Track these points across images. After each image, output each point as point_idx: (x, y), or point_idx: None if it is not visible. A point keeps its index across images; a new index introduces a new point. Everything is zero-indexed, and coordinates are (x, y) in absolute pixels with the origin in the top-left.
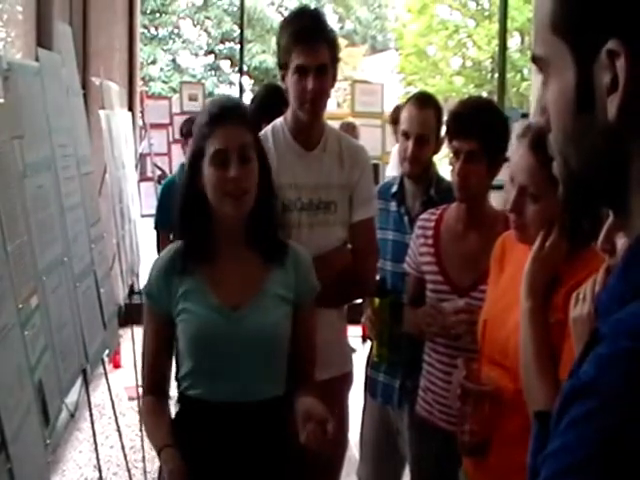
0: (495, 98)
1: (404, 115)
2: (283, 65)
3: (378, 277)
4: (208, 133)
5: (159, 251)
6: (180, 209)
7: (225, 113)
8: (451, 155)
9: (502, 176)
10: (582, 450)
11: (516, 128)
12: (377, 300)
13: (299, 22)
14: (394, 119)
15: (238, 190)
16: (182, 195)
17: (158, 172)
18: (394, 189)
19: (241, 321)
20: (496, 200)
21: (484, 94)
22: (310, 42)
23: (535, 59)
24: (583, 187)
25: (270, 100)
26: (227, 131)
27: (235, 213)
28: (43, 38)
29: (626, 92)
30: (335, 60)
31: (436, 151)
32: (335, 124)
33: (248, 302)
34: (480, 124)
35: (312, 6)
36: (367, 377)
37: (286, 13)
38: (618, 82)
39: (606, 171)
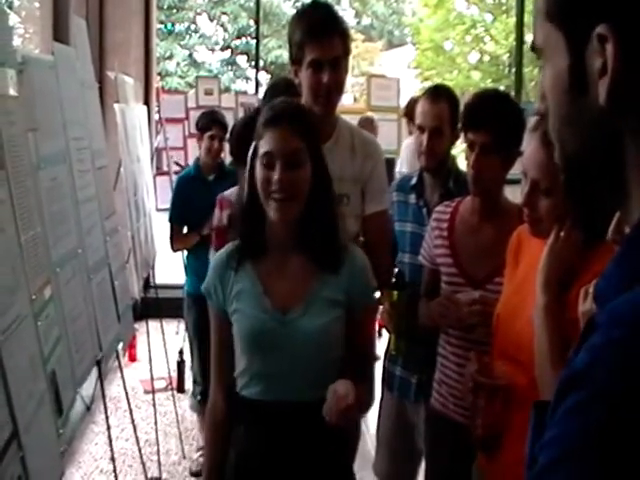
0: (513, 92)
1: (418, 109)
2: (296, 60)
3: (396, 270)
4: (261, 134)
5: (172, 244)
6: (242, 208)
7: (278, 117)
8: (466, 148)
9: (519, 170)
10: (575, 440)
11: (532, 122)
12: (395, 293)
13: (311, 17)
14: (408, 112)
15: (281, 194)
16: (245, 194)
17: (176, 168)
18: (413, 182)
19: (291, 325)
20: (512, 194)
21: (502, 88)
22: (323, 36)
23: (534, 47)
24: (580, 171)
25: (281, 93)
26: (276, 134)
27: (278, 218)
28: (60, 33)
29: (615, 76)
30: (347, 52)
31: (452, 142)
32: (354, 119)
33: (298, 306)
34: (494, 116)
35: (329, 2)
36: (384, 370)
37: None
38: (607, 67)
39: (601, 154)
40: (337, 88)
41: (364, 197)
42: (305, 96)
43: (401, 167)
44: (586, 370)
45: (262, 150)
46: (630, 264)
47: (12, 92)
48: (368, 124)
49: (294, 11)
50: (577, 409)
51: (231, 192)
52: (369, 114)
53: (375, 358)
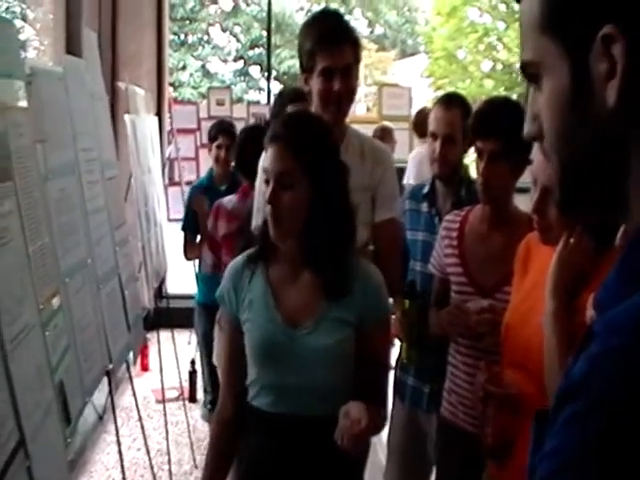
0: (525, 100)
1: (431, 117)
2: (307, 68)
3: (408, 279)
4: (266, 148)
5: (185, 253)
6: (263, 220)
7: (276, 134)
8: (475, 156)
9: (527, 178)
10: (574, 451)
11: None
12: (407, 302)
13: (322, 25)
14: (416, 124)
15: (272, 213)
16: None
17: (187, 179)
18: (425, 190)
19: (299, 340)
20: (523, 203)
21: (514, 97)
22: (335, 44)
23: (525, 66)
24: (580, 186)
25: (288, 102)
26: (272, 152)
27: (273, 237)
28: (72, 45)
29: (625, 76)
30: (358, 60)
31: (465, 150)
32: (367, 128)
33: (308, 323)
34: (503, 124)
35: (339, 10)
36: (396, 379)
37: None
38: (615, 68)
39: (604, 167)
40: (348, 96)
41: (374, 204)
42: (315, 104)
43: (408, 179)
44: (584, 379)
45: (264, 165)
46: (629, 273)
47: (21, 103)
48: (387, 134)
49: None
50: (575, 419)
51: (229, 200)
52: (386, 123)
53: (389, 371)
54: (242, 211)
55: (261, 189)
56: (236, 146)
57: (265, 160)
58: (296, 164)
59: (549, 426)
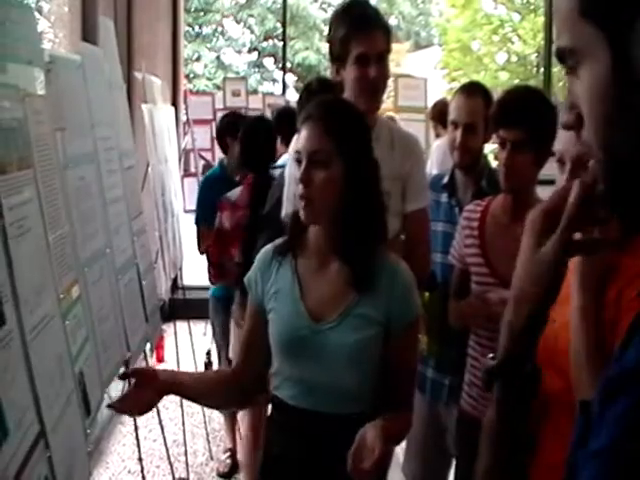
0: None
1: (452, 105)
2: (339, 57)
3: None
4: (299, 131)
5: (199, 246)
6: (293, 210)
7: (311, 114)
8: (497, 145)
9: (551, 171)
10: (630, 445)
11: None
12: (427, 294)
13: (355, 12)
14: (434, 115)
15: (302, 195)
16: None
17: (202, 162)
18: (445, 180)
19: (322, 334)
20: (545, 196)
21: None
22: (369, 29)
23: (561, 52)
24: (627, 175)
25: (315, 93)
26: (306, 132)
27: (303, 219)
28: (88, 35)
29: None
30: (389, 49)
31: (486, 140)
32: None
33: (332, 317)
34: (526, 113)
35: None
36: None
37: (329, 10)
38: None
39: None
40: (383, 82)
41: (404, 195)
42: (349, 93)
43: (431, 169)
44: (635, 368)
45: (296, 146)
46: None
47: (40, 91)
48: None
49: (321, 13)
50: (627, 415)
51: (232, 193)
52: (391, 114)
53: (416, 375)
54: (246, 201)
55: (292, 177)
56: (241, 138)
57: (298, 141)
58: (330, 143)
59: (596, 414)
